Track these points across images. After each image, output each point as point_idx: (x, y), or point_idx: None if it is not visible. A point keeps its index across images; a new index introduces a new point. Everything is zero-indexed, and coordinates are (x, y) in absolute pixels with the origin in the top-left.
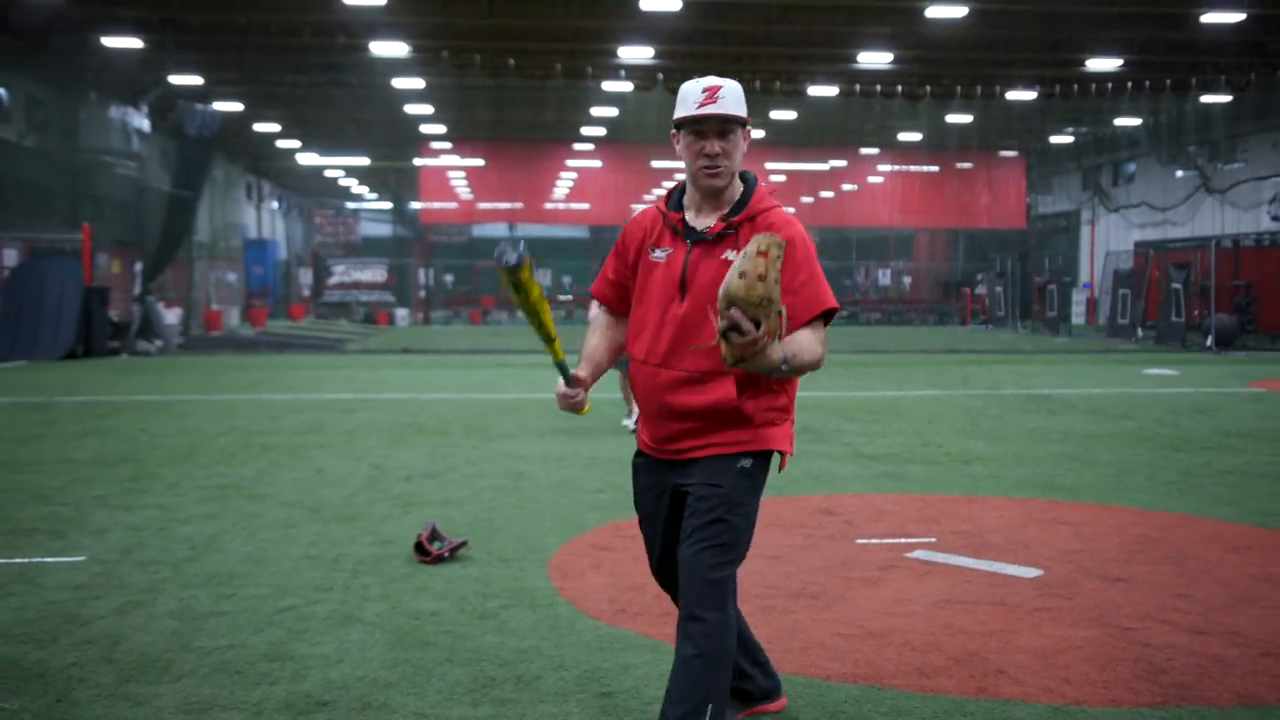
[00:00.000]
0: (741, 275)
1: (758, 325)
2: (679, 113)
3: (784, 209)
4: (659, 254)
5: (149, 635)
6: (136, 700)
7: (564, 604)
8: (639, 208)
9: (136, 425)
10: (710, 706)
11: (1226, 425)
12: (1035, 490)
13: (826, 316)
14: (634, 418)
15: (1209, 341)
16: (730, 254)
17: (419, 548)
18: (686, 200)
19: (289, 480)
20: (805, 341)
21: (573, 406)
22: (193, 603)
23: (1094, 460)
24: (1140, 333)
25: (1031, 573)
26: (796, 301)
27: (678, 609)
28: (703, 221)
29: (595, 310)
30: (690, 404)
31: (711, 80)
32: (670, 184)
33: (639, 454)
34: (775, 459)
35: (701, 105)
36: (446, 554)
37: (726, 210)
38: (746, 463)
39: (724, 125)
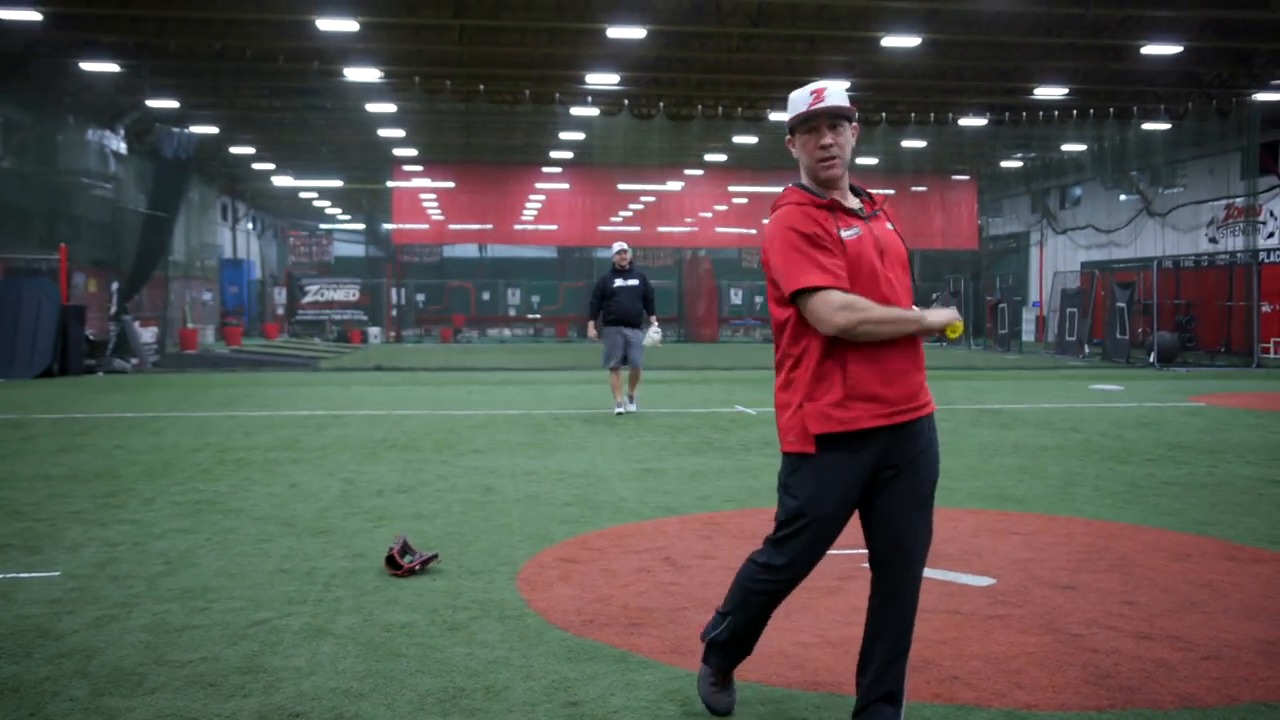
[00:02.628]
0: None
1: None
2: (791, 115)
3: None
4: (850, 233)
5: (123, 649)
6: (110, 714)
7: (532, 615)
8: (606, 229)
9: (112, 442)
10: None
11: (1168, 438)
12: (987, 501)
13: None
14: (622, 407)
15: (1152, 358)
16: (890, 225)
17: (390, 561)
18: (818, 193)
19: (263, 495)
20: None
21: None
22: (167, 617)
23: (1043, 472)
24: (1087, 349)
25: (984, 581)
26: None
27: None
28: (852, 206)
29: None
30: (918, 357)
31: (815, 84)
32: (638, 206)
33: (848, 435)
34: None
35: (812, 105)
36: (417, 567)
37: (858, 195)
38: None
39: (834, 119)
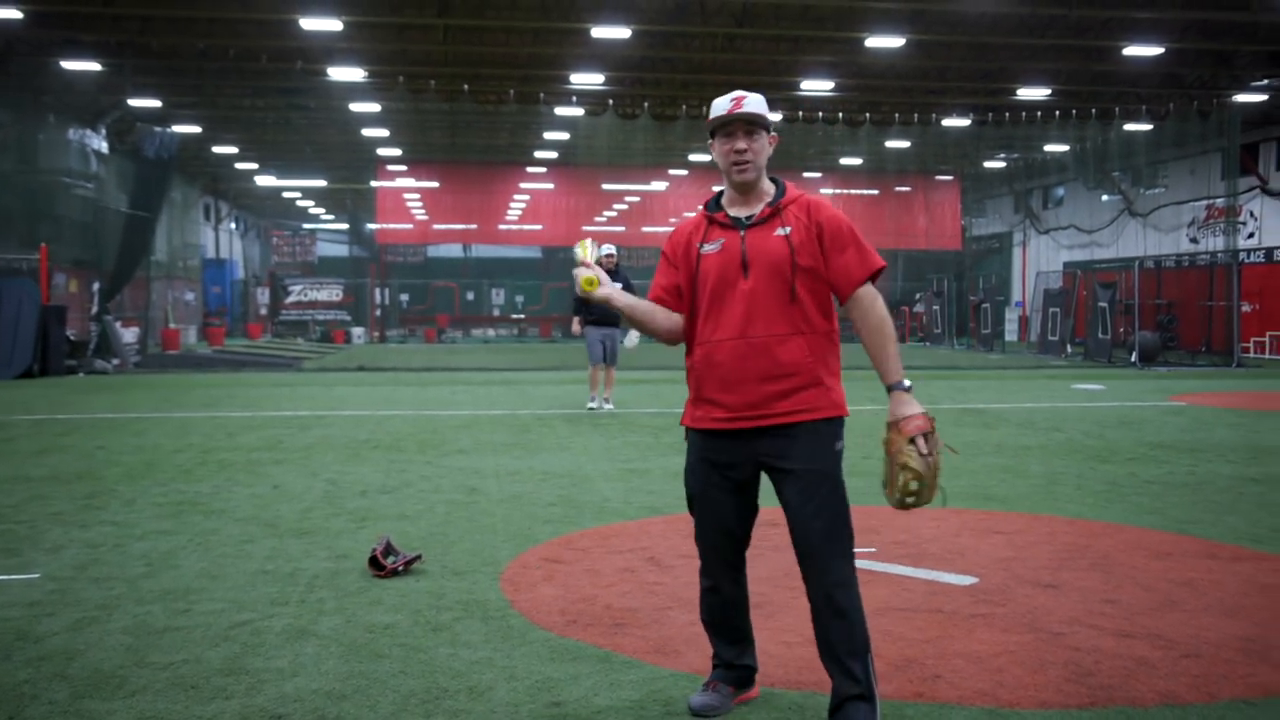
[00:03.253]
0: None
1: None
2: (711, 119)
3: (818, 196)
4: (710, 247)
5: (103, 651)
6: (90, 717)
7: (516, 615)
8: (590, 229)
9: (93, 443)
10: None
11: (1150, 437)
12: (970, 501)
13: (874, 276)
14: (596, 401)
15: (1133, 357)
16: (781, 230)
17: (374, 562)
18: (725, 201)
19: (246, 496)
20: (887, 348)
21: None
22: (148, 618)
23: (1025, 471)
24: (1069, 349)
25: (967, 580)
26: (841, 272)
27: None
28: (746, 213)
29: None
30: (771, 368)
31: (739, 91)
32: (622, 206)
33: (698, 432)
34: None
35: (730, 110)
36: (401, 568)
37: (768, 199)
38: (840, 443)
39: (750, 126)
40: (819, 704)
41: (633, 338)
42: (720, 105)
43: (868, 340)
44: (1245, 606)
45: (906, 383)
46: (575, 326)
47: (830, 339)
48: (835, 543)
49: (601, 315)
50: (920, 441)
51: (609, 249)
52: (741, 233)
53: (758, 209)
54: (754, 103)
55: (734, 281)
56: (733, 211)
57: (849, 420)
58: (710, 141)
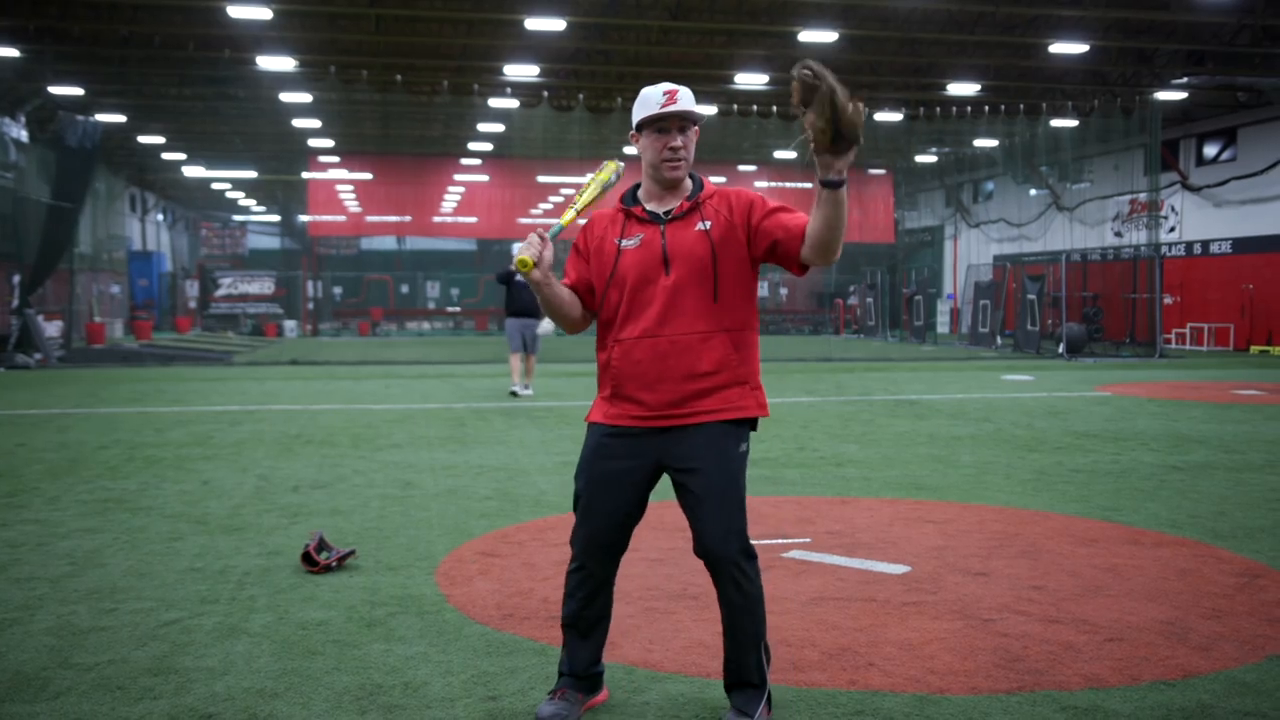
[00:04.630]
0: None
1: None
2: (641, 114)
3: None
4: (629, 242)
5: (25, 653)
6: None
7: (451, 610)
8: (526, 221)
9: (14, 440)
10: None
11: (1076, 427)
12: (903, 491)
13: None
14: (518, 388)
15: (1061, 349)
16: (701, 225)
17: (306, 558)
18: (643, 195)
19: (174, 493)
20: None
21: (535, 244)
22: (72, 619)
23: (956, 461)
24: (999, 341)
25: (899, 569)
26: (781, 225)
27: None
28: (665, 208)
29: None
30: (693, 366)
31: (668, 85)
32: (558, 198)
33: (610, 429)
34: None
35: (664, 105)
36: (334, 563)
37: (689, 194)
38: (745, 444)
39: (684, 122)
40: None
41: (546, 325)
42: (651, 99)
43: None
44: (1166, 591)
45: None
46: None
47: (752, 335)
48: (741, 546)
49: (521, 307)
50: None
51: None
52: (661, 228)
53: (675, 204)
54: (687, 98)
55: (654, 278)
56: (650, 206)
57: (781, 414)
58: (634, 134)
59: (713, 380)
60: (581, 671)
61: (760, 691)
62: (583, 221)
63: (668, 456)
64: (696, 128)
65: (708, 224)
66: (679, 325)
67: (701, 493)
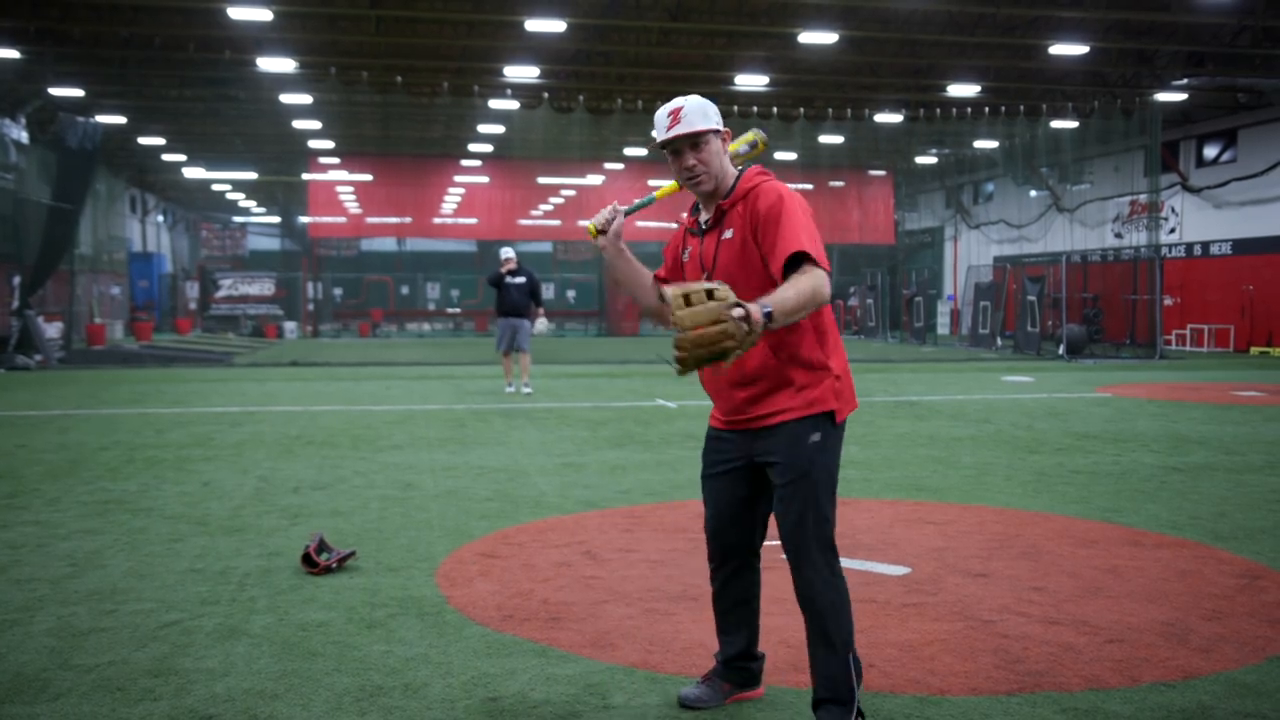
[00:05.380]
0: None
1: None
2: (656, 139)
3: (774, 182)
4: (685, 255)
5: (25, 654)
6: None
7: (452, 611)
8: (526, 223)
9: (14, 441)
10: None
11: (1076, 428)
12: (903, 492)
13: (799, 260)
14: (513, 388)
15: (1061, 350)
16: (726, 234)
17: (307, 559)
18: (700, 208)
19: (174, 494)
20: (782, 291)
21: (606, 222)
22: (72, 620)
23: (957, 462)
24: (999, 342)
25: (899, 571)
26: (772, 253)
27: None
28: (706, 218)
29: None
30: (737, 375)
31: (674, 103)
32: (558, 200)
33: (712, 430)
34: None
35: (669, 129)
36: (334, 565)
37: (724, 198)
38: (816, 436)
39: (693, 140)
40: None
41: (541, 326)
42: (660, 122)
43: None
44: (1166, 592)
45: (766, 307)
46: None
47: (799, 334)
48: (809, 539)
49: (510, 307)
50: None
51: (508, 252)
52: (700, 239)
53: (709, 213)
54: (692, 114)
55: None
56: (702, 217)
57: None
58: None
59: (758, 387)
60: (727, 656)
61: (848, 710)
62: (658, 196)
63: (751, 451)
64: (713, 135)
65: (729, 232)
66: None
67: (777, 490)
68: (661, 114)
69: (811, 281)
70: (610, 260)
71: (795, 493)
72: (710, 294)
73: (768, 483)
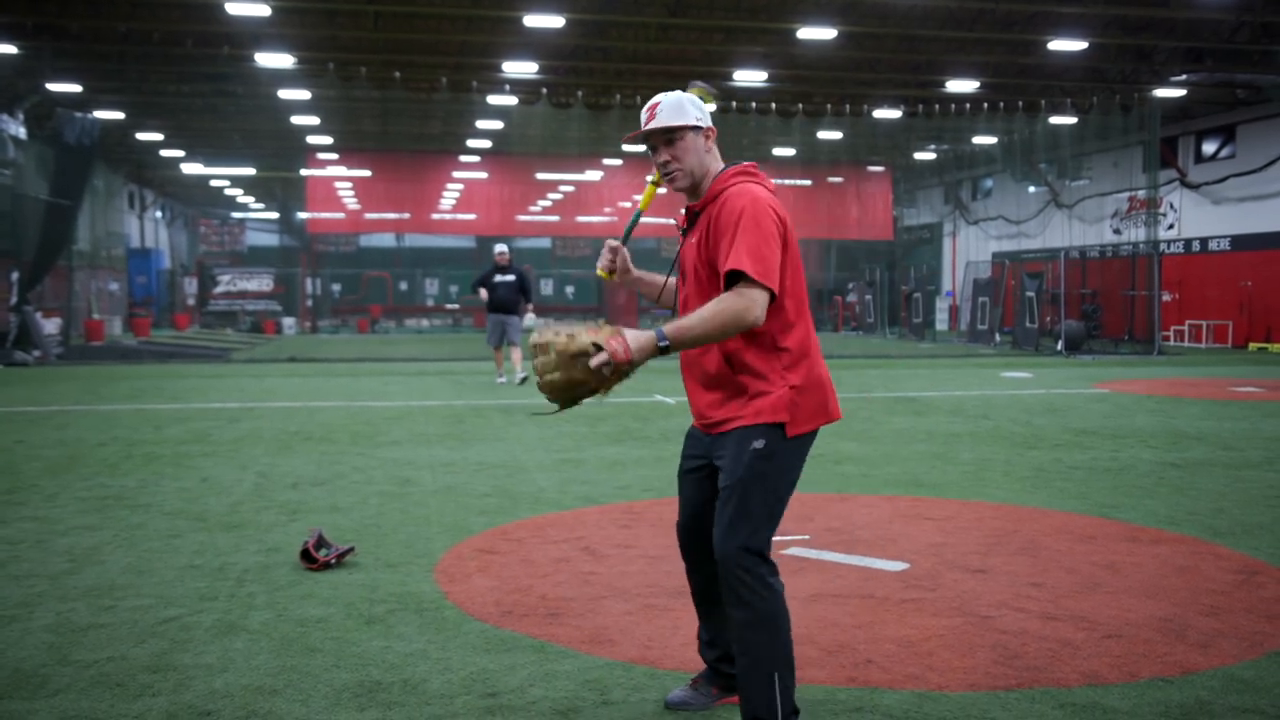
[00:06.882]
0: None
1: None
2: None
3: (747, 184)
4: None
5: (24, 650)
6: (10, 717)
7: (450, 607)
8: (524, 219)
9: (12, 437)
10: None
11: (1075, 424)
12: (902, 488)
13: (742, 278)
14: (504, 379)
15: (1059, 346)
16: (692, 238)
17: (305, 555)
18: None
19: (173, 490)
20: (689, 318)
21: (611, 261)
22: (71, 616)
23: (955, 458)
24: (998, 338)
25: (898, 566)
26: (720, 270)
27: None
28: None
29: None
30: (702, 376)
31: (654, 99)
32: (556, 195)
33: (691, 428)
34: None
35: (645, 125)
36: (333, 560)
37: (693, 203)
38: (759, 444)
39: (668, 135)
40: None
41: (529, 320)
42: (642, 119)
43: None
44: (1164, 588)
45: (662, 336)
46: (483, 293)
47: (754, 345)
48: (737, 547)
49: (499, 303)
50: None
51: (501, 248)
52: (683, 239)
53: (688, 214)
54: (668, 109)
55: (679, 289)
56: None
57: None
58: None
59: (719, 393)
60: (714, 661)
61: None
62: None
63: (711, 451)
64: (691, 131)
65: (695, 237)
66: None
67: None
68: (643, 111)
69: (730, 307)
70: (632, 289)
71: (729, 497)
72: (572, 336)
73: None
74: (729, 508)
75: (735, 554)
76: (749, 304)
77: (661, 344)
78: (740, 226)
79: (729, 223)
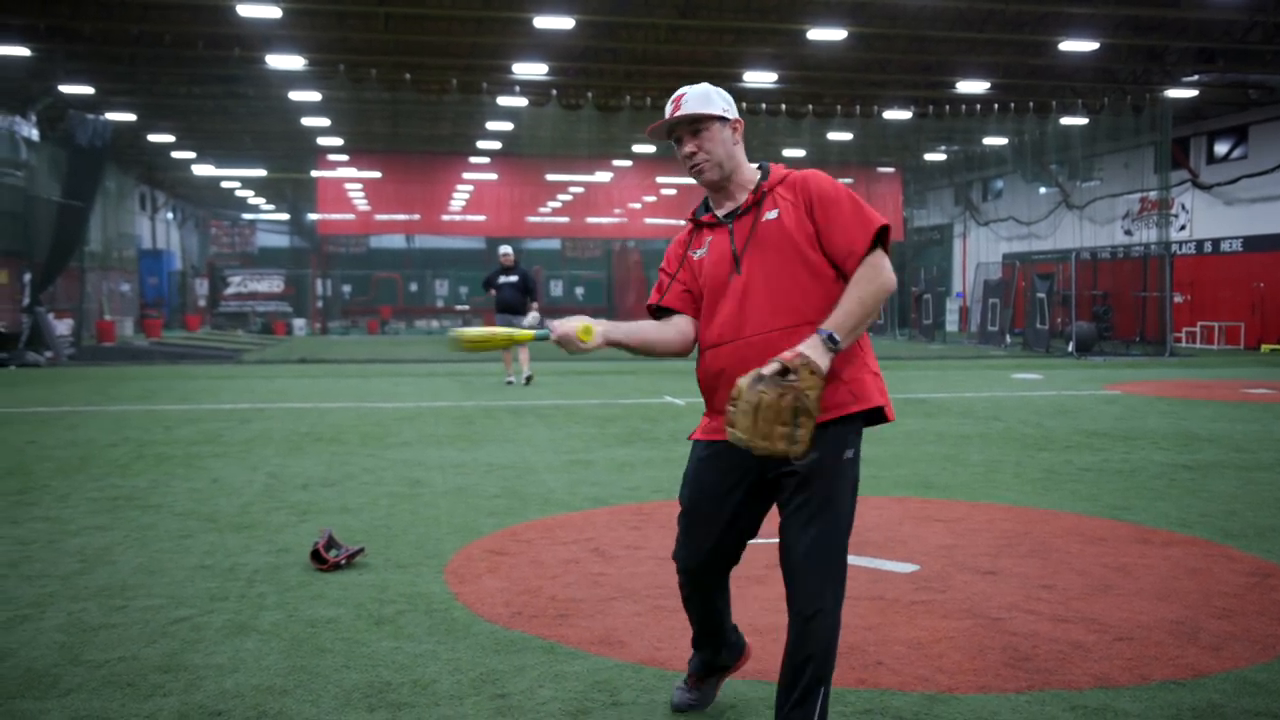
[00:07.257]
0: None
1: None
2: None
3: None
4: (700, 252)
5: (36, 650)
6: (23, 717)
7: (460, 608)
8: (534, 220)
9: (24, 437)
10: None
11: (1085, 425)
12: (912, 489)
13: (880, 240)
14: (513, 379)
15: (1070, 347)
16: (770, 214)
17: (315, 555)
18: (712, 203)
19: (184, 490)
20: (843, 306)
21: (566, 337)
22: (82, 616)
23: (966, 460)
24: (1008, 339)
25: (908, 568)
26: (841, 243)
27: (697, 599)
28: (730, 208)
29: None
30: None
31: (680, 90)
32: (566, 197)
33: (707, 446)
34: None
35: (670, 115)
36: (343, 561)
37: (752, 187)
38: (849, 453)
39: (693, 125)
40: (762, 692)
41: (533, 318)
42: (666, 112)
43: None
44: (1176, 590)
45: (832, 332)
46: (492, 290)
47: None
48: (822, 564)
49: (505, 304)
50: (762, 377)
51: (505, 249)
52: (729, 228)
53: (742, 200)
54: (694, 99)
55: (726, 280)
56: (719, 212)
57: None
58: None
59: None
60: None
61: None
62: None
63: (769, 467)
64: (718, 122)
65: (775, 213)
66: (757, 324)
67: (791, 505)
68: (669, 102)
69: (881, 278)
70: (621, 340)
71: (816, 512)
72: (761, 377)
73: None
74: (814, 528)
75: (828, 586)
76: (890, 271)
77: (833, 347)
78: (848, 195)
79: (842, 197)
